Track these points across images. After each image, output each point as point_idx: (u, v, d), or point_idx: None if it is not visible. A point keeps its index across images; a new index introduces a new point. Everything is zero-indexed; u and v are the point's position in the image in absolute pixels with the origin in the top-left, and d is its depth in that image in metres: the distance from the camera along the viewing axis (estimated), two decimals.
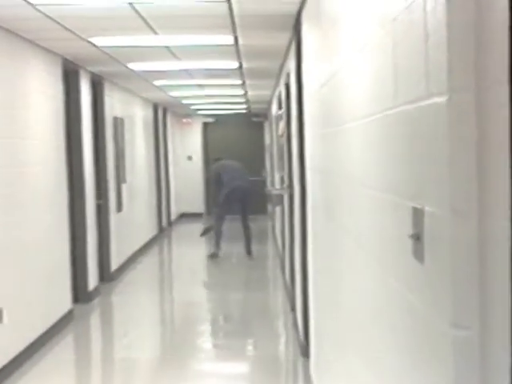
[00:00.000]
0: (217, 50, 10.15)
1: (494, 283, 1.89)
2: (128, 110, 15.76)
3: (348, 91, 4.09)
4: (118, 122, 14.49)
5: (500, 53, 1.80)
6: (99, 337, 10.68)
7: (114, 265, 13.61)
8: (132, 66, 11.55)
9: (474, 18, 1.95)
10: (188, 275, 15.28)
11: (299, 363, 8.20)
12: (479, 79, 1.93)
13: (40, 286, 9.16)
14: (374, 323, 3.35)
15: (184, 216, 24.29)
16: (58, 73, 10.29)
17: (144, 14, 7.50)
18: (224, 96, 18.22)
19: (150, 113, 19.16)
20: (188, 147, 25.53)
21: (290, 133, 10.17)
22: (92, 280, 11.94)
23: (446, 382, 2.09)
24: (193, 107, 21.94)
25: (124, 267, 14.47)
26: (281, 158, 13.67)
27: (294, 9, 7.45)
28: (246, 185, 16.50)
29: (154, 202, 19.17)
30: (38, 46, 9.28)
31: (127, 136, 15.39)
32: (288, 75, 10.09)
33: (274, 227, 19.31)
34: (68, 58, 10.54)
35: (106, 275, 12.99)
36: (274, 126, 17.27)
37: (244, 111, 23.49)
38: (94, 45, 9.36)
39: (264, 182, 23.99)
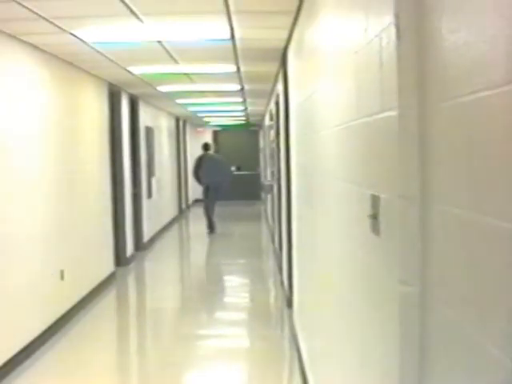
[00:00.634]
0: (224, 76, 10.13)
1: (431, 251, 1.89)
2: (156, 121, 15.74)
3: (322, 107, 4.08)
4: (149, 131, 14.48)
5: (437, 79, 1.80)
6: (135, 292, 10.70)
7: (146, 237, 13.61)
8: (159, 88, 11.53)
9: (418, 53, 1.95)
10: (201, 246, 15.27)
11: (285, 312, 8.21)
12: (421, 99, 1.93)
13: (91, 253, 9.17)
14: (341, 281, 3.36)
15: (197, 201, 24.19)
16: (104, 93, 10.28)
17: (169, 49, 7.49)
18: (229, 111, 18.19)
19: (173, 123, 19.14)
20: (201, 149, 25.44)
21: (279, 138, 10.16)
22: (129, 249, 11.96)
23: (394, 323, 2.09)
24: (205, 119, 21.91)
25: (153, 239, 14.47)
26: (271, 157, 13.66)
27: (282, 45, 7.45)
28: (220, 179, 16.22)
29: (175, 190, 19.16)
30: (90, 73, 9.27)
31: (156, 141, 15.39)
32: (277, 95, 10.08)
33: (266, 210, 19.32)
34: (112, 82, 10.53)
35: (140, 245, 12.99)
36: (266, 134, 17.26)
37: (244, 122, 23.45)
38: (132, 73, 9.35)
39: (258, 175, 23.99)
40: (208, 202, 16.27)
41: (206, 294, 9.73)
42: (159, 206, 15.72)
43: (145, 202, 13.60)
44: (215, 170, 16.22)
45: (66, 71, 8.19)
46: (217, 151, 25.56)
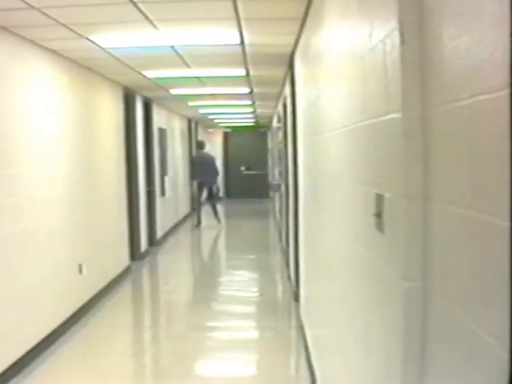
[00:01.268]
0: (233, 79, 10.13)
1: (433, 248, 1.89)
2: (169, 123, 15.75)
3: (328, 109, 4.08)
4: (162, 132, 14.49)
5: (439, 83, 1.80)
6: (149, 285, 10.71)
7: (159, 233, 13.63)
8: (172, 91, 11.53)
9: (421, 57, 1.94)
10: (211, 241, 15.28)
11: (292, 306, 8.21)
12: (423, 101, 1.93)
13: (108, 248, 9.19)
14: (347, 278, 3.35)
15: (211, 199, 24.22)
16: (120, 96, 10.30)
17: (182, 54, 7.49)
18: (239, 113, 18.19)
19: (185, 125, 19.15)
20: (212, 150, 25.46)
21: (286, 139, 10.16)
22: (143, 244, 11.98)
23: (398, 317, 2.09)
24: (216, 121, 21.91)
25: (166, 235, 14.50)
26: (279, 157, 13.66)
27: (289, 50, 7.45)
28: (211, 178, 16.79)
29: (187, 189, 19.17)
30: (106, 77, 9.29)
31: (169, 142, 15.40)
32: (285, 98, 10.07)
33: (274, 207, 19.32)
34: (127, 85, 10.55)
35: (154, 241, 13.01)
36: (274, 135, 17.25)
37: (253, 124, 23.45)
38: (146, 76, 9.36)
39: (266, 175, 23.98)
40: (198, 197, 17.00)
41: (216, 287, 9.75)
42: (172, 204, 15.74)
43: (158, 199, 13.61)
44: (206, 168, 16.78)
45: (83, 75, 8.21)
46: (226, 152, 25.66)
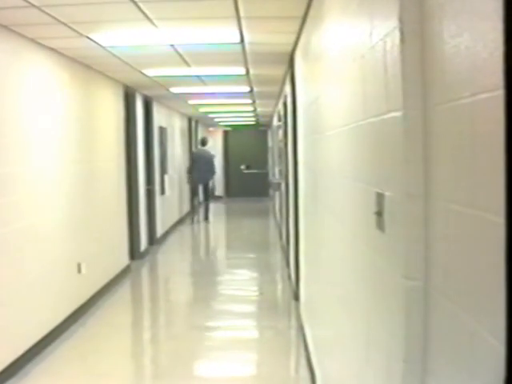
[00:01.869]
0: (234, 78, 10.13)
1: (434, 247, 1.89)
2: (169, 121, 15.75)
3: (329, 108, 4.08)
4: (163, 131, 14.49)
5: (439, 81, 1.80)
6: (148, 284, 10.72)
7: (159, 232, 13.63)
8: (172, 89, 11.53)
9: (421, 56, 1.95)
10: (211, 240, 15.29)
11: (292, 305, 8.22)
12: (424, 100, 1.93)
13: (107, 247, 9.19)
14: (347, 277, 3.36)
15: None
16: (120, 95, 10.30)
17: (181, 53, 7.50)
18: (239, 112, 18.19)
19: (185, 123, 19.15)
20: (213, 149, 25.48)
21: (286, 138, 10.17)
22: (143, 243, 11.99)
23: (399, 316, 2.09)
24: (216, 120, 21.92)
25: (166, 234, 14.50)
26: (279, 156, 13.67)
27: (289, 49, 7.45)
28: (206, 175, 17.43)
29: (187, 187, 19.17)
30: (106, 75, 9.29)
31: (169, 140, 15.40)
32: (285, 96, 10.08)
33: (274, 206, 19.33)
34: (127, 84, 10.55)
35: (153, 240, 13.01)
36: (274, 133, 17.26)
37: (253, 122, 23.45)
38: (146, 75, 9.36)
39: (267, 174, 23.99)
40: (194, 193, 17.94)
41: (215, 286, 9.75)
42: (172, 202, 15.74)
43: (158, 198, 13.61)
44: (203, 165, 17.36)
45: (83, 74, 8.22)
46: (226, 151, 25.67)
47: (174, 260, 12.34)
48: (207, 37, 6.58)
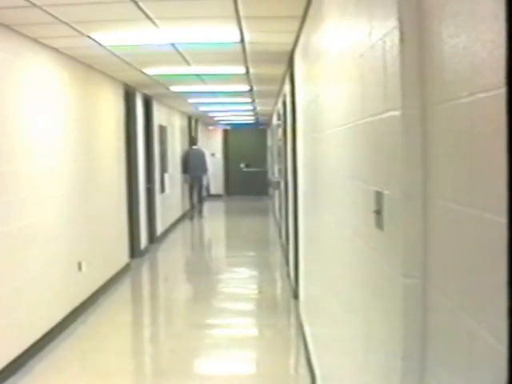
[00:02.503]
0: (233, 77, 10.13)
1: (433, 245, 1.89)
2: (169, 120, 15.75)
3: (328, 107, 4.08)
4: (163, 129, 14.49)
5: (437, 81, 1.80)
6: (148, 282, 10.72)
7: (159, 230, 13.63)
8: (172, 88, 11.53)
9: (420, 56, 1.95)
10: (211, 239, 15.29)
11: (291, 303, 8.22)
12: (423, 99, 1.94)
13: (107, 245, 9.20)
14: (346, 273, 3.36)
15: (209, 196, 24.26)
16: (120, 93, 10.30)
17: (182, 52, 7.49)
18: (238, 110, 18.18)
19: (185, 122, 19.15)
20: (212, 147, 25.48)
21: (286, 137, 10.16)
22: (143, 241, 11.99)
23: (397, 314, 2.10)
24: (216, 118, 21.91)
25: (166, 233, 14.50)
26: (279, 155, 13.66)
27: (289, 48, 7.45)
28: (200, 173, 18.13)
29: (187, 186, 19.16)
30: (106, 74, 9.29)
31: (169, 139, 15.40)
32: (285, 95, 10.07)
33: (273, 205, 19.32)
34: (127, 83, 10.55)
35: (153, 238, 13.01)
36: (274, 132, 17.26)
37: (253, 121, 23.44)
38: (146, 74, 9.36)
39: (266, 172, 23.99)
40: (190, 190, 18.54)
41: (215, 284, 9.75)
42: (171, 201, 15.74)
43: (158, 196, 13.61)
44: (195, 163, 18.03)
45: (84, 73, 8.22)
46: (225, 150, 25.67)
47: (174, 258, 12.34)
48: (207, 36, 6.58)
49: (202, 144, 23.65)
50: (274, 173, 17.74)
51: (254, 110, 17.82)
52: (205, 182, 19.06)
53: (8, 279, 5.70)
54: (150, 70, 9.12)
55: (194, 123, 21.54)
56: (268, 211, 20.11)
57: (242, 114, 20.03)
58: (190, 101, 14.40)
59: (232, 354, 6.38)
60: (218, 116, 20.75)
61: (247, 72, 9.43)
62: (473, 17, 1.54)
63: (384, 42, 2.22)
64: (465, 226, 1.61)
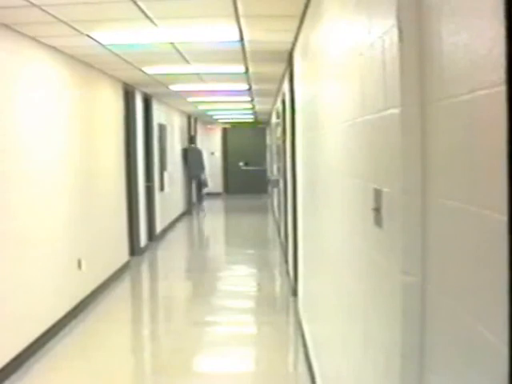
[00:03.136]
0: (233, 76, 10.12)
1: (432, 243, 1.88)
2: (169, 119, 15.75)
3: (327, 105, 4.07)
4: (162, 128, 14.48)
5: (436, 79, 1.80)
6: (148, 280, 10.71)
7: (158, 229, 13.63)
8: (172, 87, 11.53)
9: (419, 53, 1.94)
10: (210, 237, 15.28)
11: (290, 300, 8.22)
12: (422, 97, 1.93)
13: (107, 243, 9.19)
14: (345, 273, 3.35)
15: (208, 194, 24.28)
16: (120, 92, 10.29)
17: (181, 51, 7.48)
18: (237, 109, 18.18)
19: (184, 121, 19.14)
20: (211, 146, 25.51)
21: (285, 135, 10.16)
22: (143, 239, 11.99)
23: (396, 312, 2.09)
24: (215, 117, 21.91)
25: (165, 231, 14.50)
26: (278, 153, 13.66)
27: (288, 47, 7.44)
28: (198, 171, 19.00)
29: (186, 184, 19.16)
30: (106, 73, 9.28)
31: (168, 138, 15.39)
32: (284, 94, 10.07)
33: (272, 203, 19.32)
34: (127, 82, 10.54)
35: (153, 236, 13.01)
36: (273, 131, 17.26)
37: (252, 120, 23.44)
38: (145, 73, 9.35)
39: (265, 171, 23.99)
40: (190, 186, 19.16)
41: (214, 282, 9.74)
42: (171, 199, 15.74)
43: (157, 194, 13.61)
44: (196, 162, 18.79)
45: (84, 72, 8.21)
46: (224, 148, 25.67)
47: (174, 256, 12.34)
48: (206, 35, 6.57)
49: (201, 143, 23.67)
50: (273, 171, 17.75)
51: (253, 108, 17.82)
52: (203, 178, 19.74)
53: (8, 277, 5.69)
54: (150, 69, 9.11)
55: (194, 122, 21.55)
56: (267, 209, 20.11)
57: (242, 113, 20.03)
58: (190, 99, 14.40)
59: (231, 351, 6.38)
60: (217, 115, 20.75)
61: (246, 71, 9.42)
62: (472, 14, 1.53)
63: (383, 40, 2.21)
64: (464, 224, 1.61)
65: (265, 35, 6.75)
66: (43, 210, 6.59)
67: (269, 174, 21.33)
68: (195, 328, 7.15)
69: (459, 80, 1.62)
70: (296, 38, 6.79)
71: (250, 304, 8.41)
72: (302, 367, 5.77)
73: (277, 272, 10.46)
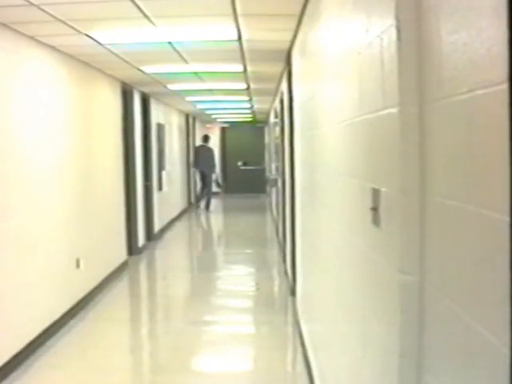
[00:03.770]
0: (231, 75, 10.12)
1: (430, 242, 1.88)
2: (167, 118, 15.73)
3: (325, 104, 4.07)
4: (160, 127, 14.47)
5: (435, 78, 1.79)
6: (146, 279, 10.70)
7: (156, 228, 13.62)
8: (170, 86, 11.52)
9: (418, 53, 1.94)
10: (209, 236, 15.27)
11: (288, 300, 8.21)
12: (421, 96, 1.93)
13: (105, 242, 9.18)
14: (343, 272, 3.35)
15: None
16: (118, 92, 10.28)
17: (179, 50, 7.48)
18: (236, 108, 18.17)
19: (183, 120, 19.13)
20: (210, 145, 25.46)
21: (283, 135, 10.16)
22: (141, 239, 11.98)
23: (394, 311, 2.09)
24: (213, 116, 21.89)
25: (163, 230, 14.48)
26: (276, 152, 13.66)
27: (286, 46, 7.43)
28: (207, 170, 19.32)
29: (184, 183, 19.15)
30: (104, 73, 9.27)
31: (166, 137, 15.38)
32: (282, 93, 10.07)
33: (270, 202, 19.32)
34: (125, 81, 10.53)
35: (151, 235, 13.00)
36: (271, 130, 17.26)
37: (250, 119, 23.43)
38: (144, 72, 9.34)
39: (264, 170, 23.97)
40: (204, 185, 19.53)
41: (213, 281, 9.74)
42: (169, 198, 15.73)
43: (155, 194, 13.60)
44: (205, 160, 19.28)
45: (82, 71, 8.20)
46: (223, 147, 25.66)
47: (172, 255, 12.33)
48: (205, 34, 6.57)
49: (199, 142, 23.65)
50: (271, 170, 17.75)
51: (251, 107, 17.81)
52: (214, 177, 20.10)
53: (7, 276, 5.68)
54: (148, 68, 9.10)
55: (192, 121, 21.53)
56: (265, 209, 20.11)
57: (240, 112, 20.02)
58: (188, 99, 14.39)
59: (229, 350, 6.37)
60: (216, 114, 20.73)
61: (245, 70, 9.42)
62: (471, 13, 1.53)
63: (381, 39, 2.21)
64: (462, 223, 1.60)
65: (263, 34, 6.74)
66: (41, 210, 6.58)
67: (267, 173, 21.32)
68: (193, 327, 7.14)
69: (458, 79, 1.61)
70: (294, 37, 6.78)
71: (249, 303, 8.40)
72: (300, 367, 5.76)
73: (275, 271, 10.45)
